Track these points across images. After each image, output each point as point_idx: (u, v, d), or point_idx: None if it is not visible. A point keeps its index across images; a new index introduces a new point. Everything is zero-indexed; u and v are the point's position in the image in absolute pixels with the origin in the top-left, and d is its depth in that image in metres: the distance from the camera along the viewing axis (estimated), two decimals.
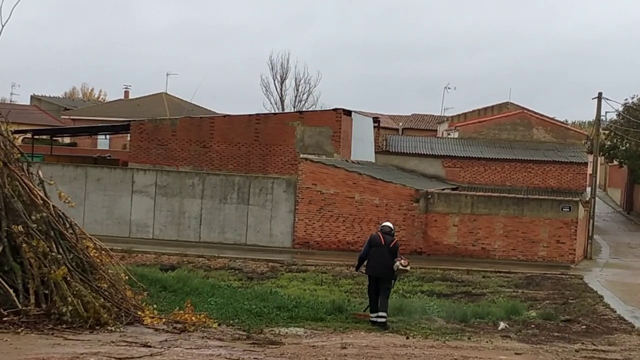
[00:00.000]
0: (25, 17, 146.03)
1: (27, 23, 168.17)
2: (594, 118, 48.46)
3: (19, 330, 13.57)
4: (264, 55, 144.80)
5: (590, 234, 43.32)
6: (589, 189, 51.93)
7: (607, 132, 62.14)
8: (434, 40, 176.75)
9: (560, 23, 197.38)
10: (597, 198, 48.70)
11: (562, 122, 74.82)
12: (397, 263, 19.15)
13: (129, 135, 49.01)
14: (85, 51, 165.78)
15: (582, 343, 17.74)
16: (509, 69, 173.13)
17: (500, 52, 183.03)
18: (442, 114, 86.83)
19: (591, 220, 43.91)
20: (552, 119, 68.74)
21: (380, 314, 18.85)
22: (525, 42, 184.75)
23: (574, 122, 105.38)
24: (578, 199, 42.53)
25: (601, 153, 57.87)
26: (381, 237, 19.40)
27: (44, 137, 62.41)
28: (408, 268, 19.63)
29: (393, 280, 19.65)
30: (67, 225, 15.93)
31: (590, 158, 54.36)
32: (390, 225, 20.05)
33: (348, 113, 45.66)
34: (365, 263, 19.68)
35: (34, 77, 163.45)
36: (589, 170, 54.89)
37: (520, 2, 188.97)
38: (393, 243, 19.36)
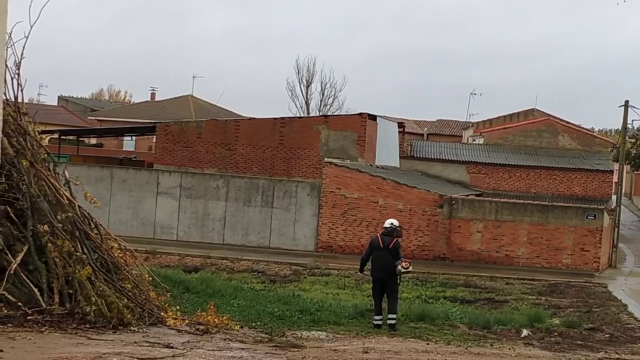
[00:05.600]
0: (82, 25, 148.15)
1: (80, 29, 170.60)
2: (621, 126, 48.20)
3: (43, 329, 13.66)
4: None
5: (615, 243, 43.06)
6: (614, 197, 51.62)
7: (633, 140, 61.75)
8: (476, 49, 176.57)
9: (604, 36, 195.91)
10: (622, 206, 48.38)
11: (588, 130, 74.40)
12: (399, 267, 19.11)
13: (154, 136, 49.21)
14: (125, 55, 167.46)
15: (606, 352, 17.64)
16: (537, 77, 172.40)
17: (533, 61, 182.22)
18: (468, 120, 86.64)
19: (616, 229, 43.66)
20: (578, 126, 68.42)
21: (390, 316, 18.93)
22: (560, 53, 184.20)
23: (601, 130, 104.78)
24: (603, 207, 42.32)
25: (627, 161, 57.52)
26: (379, 239, 19.40)
27: (71, 137, 62.77)
28: (410, 269, 19.51)
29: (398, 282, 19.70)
30: (92, 226, 16.02)
31: (616, 166, 54.04)
32: (393, 222, 19.87)
33: (373, 118, 45.62)
34: (368, 266, 19.73)
35: (62, 78, 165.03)
36: (615, 179, 54.54)
37: (564, 15, 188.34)
38: (392, 244, 19.24)
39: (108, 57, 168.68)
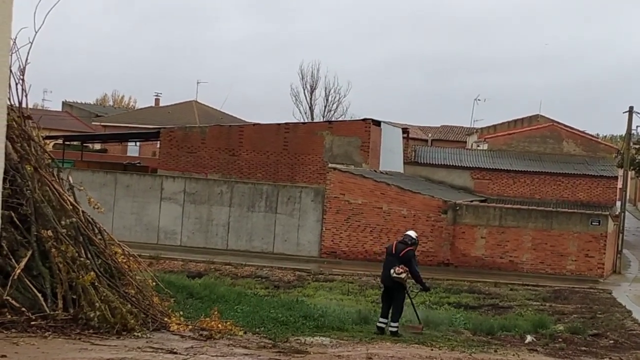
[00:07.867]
0: (104, 28, 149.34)
1: (101, 33, 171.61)
2: (625, 132, 48.14)
3: (47, 335, 13.63)
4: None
5: (619, 248, 43.02)
6: (618, 203, 51.55)
7: (638, 146, 61.65)
8: (480, 56, 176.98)
9: (611, 44, 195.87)
10: (627, 212, 48.34)
11: (593, 136, 74.28)
12: (392, 271, 18.85)
13: (158, 142, 49.30)
14: (134, 62, 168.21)
15: (610, 358, 17.60)
16: (542, 83, 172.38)
17: (537, 68, 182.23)
18: (472, 126, 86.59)
19: (620, 235, 43.63)
20: (582, 132, 68.29)
21: (392, 324, 18.87)
22: (565, 60, 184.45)
23: (605, 136, 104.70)
24: (607, 212, 42.27)
25: (631, 167, 57.42)
26: (394, 246, 19.29)
27: (75, 143, 62.93)
28: (402, 276, 18.84)
29: (417, 291, 19.49)
30: (96, 231, 16.00)
31: (621, 172, 53.99)
32: (411, 234, 19.63)
33: (377, 123, 45.63)
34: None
35: (67, 83, 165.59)
36: (619, 184, 54.47)
37: (571, 23, 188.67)
38: (404, 252, 18.96)
39: (116, 63, 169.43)
